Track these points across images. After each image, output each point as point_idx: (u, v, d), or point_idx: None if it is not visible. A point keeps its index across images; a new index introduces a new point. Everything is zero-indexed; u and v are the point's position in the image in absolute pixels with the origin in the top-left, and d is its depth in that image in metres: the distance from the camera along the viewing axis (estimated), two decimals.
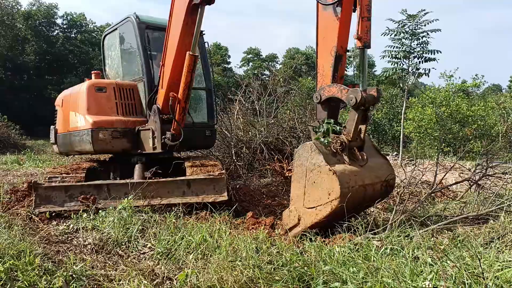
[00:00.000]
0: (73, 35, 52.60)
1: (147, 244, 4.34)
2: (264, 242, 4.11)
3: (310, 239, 4.20)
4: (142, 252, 4.22)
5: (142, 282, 3.30)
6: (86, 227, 4.88)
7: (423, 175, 6.46)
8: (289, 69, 14.41)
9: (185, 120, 6.40)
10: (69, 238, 4.71)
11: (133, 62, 7.37)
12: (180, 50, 6.06)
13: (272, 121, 10.87)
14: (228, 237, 4.26)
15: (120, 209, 5.07)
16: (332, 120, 4.75)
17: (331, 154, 4.47)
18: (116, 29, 7.66)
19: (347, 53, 5.01)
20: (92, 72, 7.48)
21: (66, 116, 7.38)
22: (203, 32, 7.58)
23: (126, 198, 5.43)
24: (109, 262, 3.92)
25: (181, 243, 4.15)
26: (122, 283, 3.37)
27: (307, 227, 4.43)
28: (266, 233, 4.66)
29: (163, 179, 6.10)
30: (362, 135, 4.55)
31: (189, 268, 3.49)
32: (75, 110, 7.01)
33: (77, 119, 6.91)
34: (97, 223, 4.92)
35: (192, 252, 3.89)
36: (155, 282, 3.36)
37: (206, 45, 7.72)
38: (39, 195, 5.53)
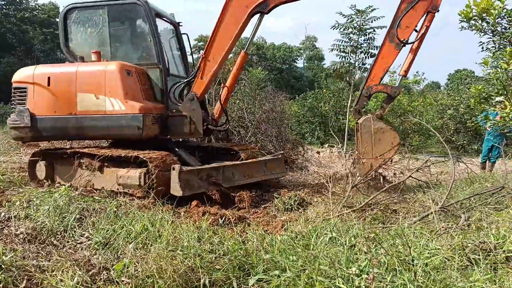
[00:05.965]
0: (12, 13, 49.21)
1: (84, 234, 4.19)
2: (206, 231, 4.09)
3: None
4: (78, 242, 4.06)
5: (76, 272, 3.17)
6: (19, 215, 4.62)
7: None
8: None
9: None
10: (0, 227, 4.43)
11: (138, 46, 7.30)
12: (230, 48, 6.79)
13: None
14: (170, 226, 4.20)
15: (56, 197, 4.85)
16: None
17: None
18: (105, 5, 7.09)
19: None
20: (92, 52, 6.94)
21: (65, 97, 6.67)
22: (180, 24, 8.07)
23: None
24: (42, 252, 3.74)
25: (120, 232, 4.04)
26: (55, 274, 3.22)
27: (377, 167, 6.30)
28: (209, 222, 4.65)
29: (252, 160, 7.01)
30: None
31: (127, 258, 3.40)
32: (98, 92, 6.52)
33: (105, 103, 6.49)
34: (31, 211, 4.67)
35: (132, 242, 3.80)
36: (90, 273, 3.25)
37: (185, 37, 8.18)
38: (182, 179, 5.62)
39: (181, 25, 8.14)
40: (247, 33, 7.15)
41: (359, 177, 6.18)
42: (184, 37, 8.20)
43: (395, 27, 6.33)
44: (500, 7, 5.71)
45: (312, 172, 9.93)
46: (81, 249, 3.88)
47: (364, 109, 6.75)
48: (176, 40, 8.19)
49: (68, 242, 4.06)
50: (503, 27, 6.09)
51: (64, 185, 6.26)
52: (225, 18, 6.68)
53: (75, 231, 4.23)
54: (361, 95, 6.70)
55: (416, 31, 6.42)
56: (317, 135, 20.97)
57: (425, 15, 6.33)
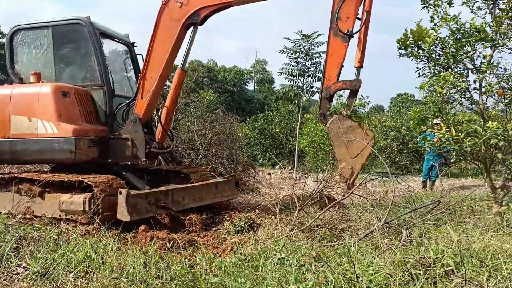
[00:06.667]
0: None
1: (21, 264, 3.94)
2: (153, 257, 3.98)
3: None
4: (15, 272, 3.81)
5: None
6: None
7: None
8: (190, 81, 14.36)
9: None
10: None
11: (82, 67, 7.16)
12: (168, 65, 6.59)
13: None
14: (115, 252, 4.05)
15: None
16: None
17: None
18: (49, 26, 6.96)
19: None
20: (31, 73, 6.75)
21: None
22: (135, 44, 8.02)
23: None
24: None
25: (61, 261, 3.84)
26: None
27: (359, 169, 6.02)
28: (157, 246, 4.53)
29: (202, 183, 6.85)
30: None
31: None
32: (31, 115, 6.35)
33: (37, 126, 6.31)
34: None
35: (73, 271, 3.62)
36: None
37: (140, 57, 7.97)
38: (130, 203, 5.39)
39: (136, 46, 8.07)
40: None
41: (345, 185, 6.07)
42: (139, 58, 8.09)
43: (335, 20, 6.11)
44: (434, 35, 6.12)
45: (264, 194, 9.98)
46: (18, 280, 3.65)
47: (329, 112, 6.41)
48: (131, 61, 8.08)
49: (3, 273, 3.80)
50: (437, 53, 6.52)
51: (1, 212, 5.90)
52: (158, 34, 6.55)
53: (11, 261, 3.97)
54: (321, 98, 6.41)
55: (359, 19, 6.23)
56: (268, 157, 21.17)
57: (362, 1, 6.16)
